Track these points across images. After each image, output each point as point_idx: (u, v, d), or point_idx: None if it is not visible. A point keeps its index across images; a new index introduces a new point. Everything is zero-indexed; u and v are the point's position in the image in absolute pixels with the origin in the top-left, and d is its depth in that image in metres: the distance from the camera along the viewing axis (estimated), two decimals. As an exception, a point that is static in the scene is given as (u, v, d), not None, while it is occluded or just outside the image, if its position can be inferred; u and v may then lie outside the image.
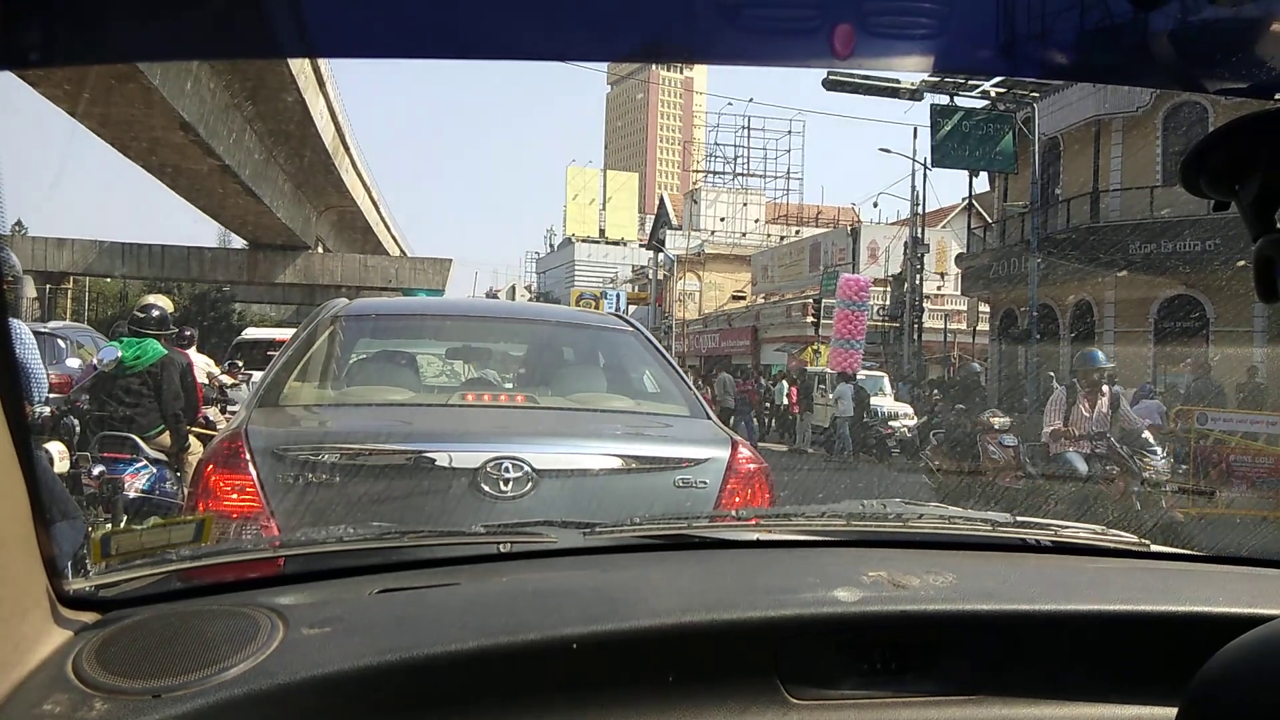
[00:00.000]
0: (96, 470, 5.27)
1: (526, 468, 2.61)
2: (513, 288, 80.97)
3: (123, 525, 3.92)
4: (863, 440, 18.93)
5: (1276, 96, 0.86)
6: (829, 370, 22.55)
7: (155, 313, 6.25)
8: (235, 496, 2.55)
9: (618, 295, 55.36)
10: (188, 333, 8.97)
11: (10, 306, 4.44)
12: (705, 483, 2.82)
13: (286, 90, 28.50)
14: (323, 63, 29.70)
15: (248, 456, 2.56)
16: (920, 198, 27.01)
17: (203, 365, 8.95)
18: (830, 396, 20.16)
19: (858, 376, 21.04)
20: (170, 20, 0.81)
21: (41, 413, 5.26)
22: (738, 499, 2.82)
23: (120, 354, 5.71)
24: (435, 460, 2.69)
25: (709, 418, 3.35)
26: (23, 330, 4.55)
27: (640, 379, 3.79)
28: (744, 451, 2.95)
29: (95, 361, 5.56)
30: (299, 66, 27.67)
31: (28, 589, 1.01)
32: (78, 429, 5.36)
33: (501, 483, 2.58)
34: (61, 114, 24.88)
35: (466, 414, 3.37)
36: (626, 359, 3.88)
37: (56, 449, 5.10)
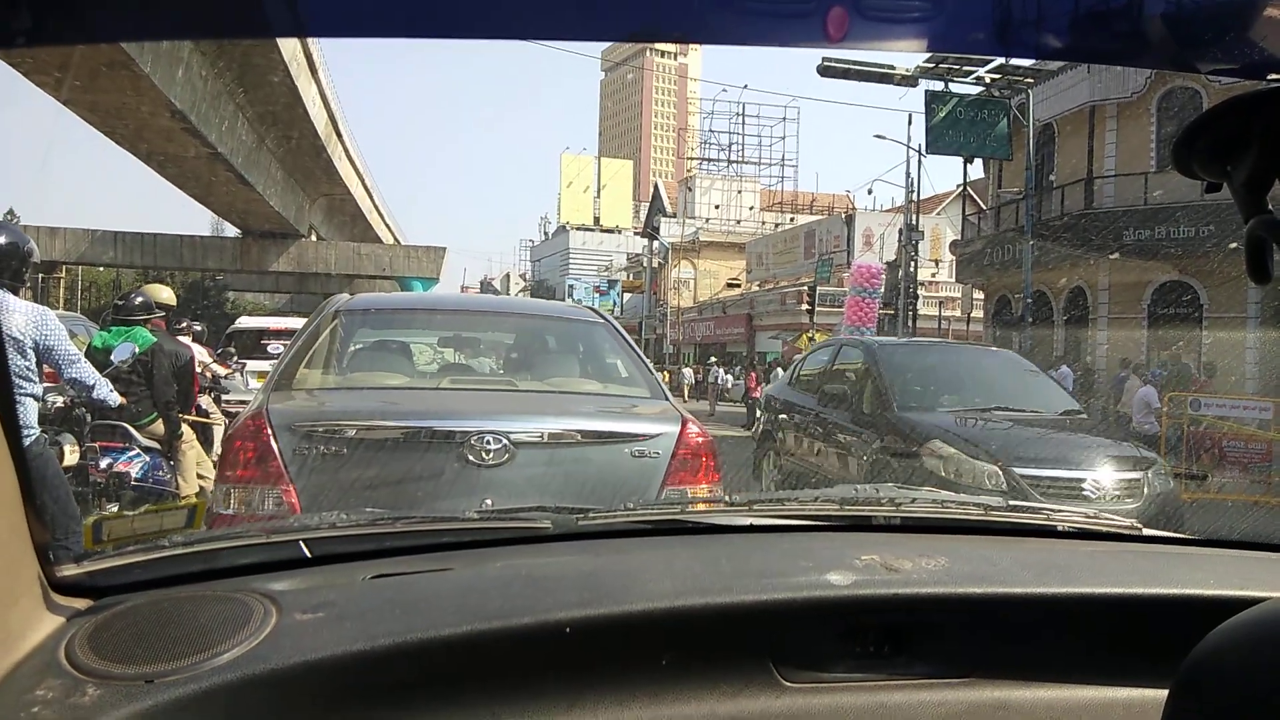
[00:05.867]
0: (104, 462, 5.25)
1: (506, 440, 3.00)
2: (507, 276, 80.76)
3: (115, 511, 3.92)
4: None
5: (1269, 77, 0.86)
6: None
7: (138, 299, 6.22)
8: (260, 466, 2.94)
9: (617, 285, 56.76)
10: (182, 323, 8.94)
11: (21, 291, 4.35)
12: (658, 453, 3.21)
13: (276, 73, 28.36)
14: (315, 49, 29.54)
15: (270, 432, 2.96)
16: (915, 184, 27.01)
17: (197, 354, 8.93)
18: None
19: None
20: None
21: (54, 403, 5.23)
22: (685, 469, 3.21)
23: (136, 349, 5.66)
24: (429, 432, 3.09)
25: (667, 399, 3.77)
26: (48, 315, 4.43)
27: (609, 365, 4.22)
28: (692, 428, 3.33)
29: (113, 359, 5.49)
30: (291, 52, 27.49)
31: (18, 575, 1.01)
32: (89, 420, 5.33)
33: (484, 453, 2.98)
34: (52, 102, 24.76)
35: (455, 395, 3.76)
36: (597, 348, 4.33)
37: (68, 441, 5.08)
